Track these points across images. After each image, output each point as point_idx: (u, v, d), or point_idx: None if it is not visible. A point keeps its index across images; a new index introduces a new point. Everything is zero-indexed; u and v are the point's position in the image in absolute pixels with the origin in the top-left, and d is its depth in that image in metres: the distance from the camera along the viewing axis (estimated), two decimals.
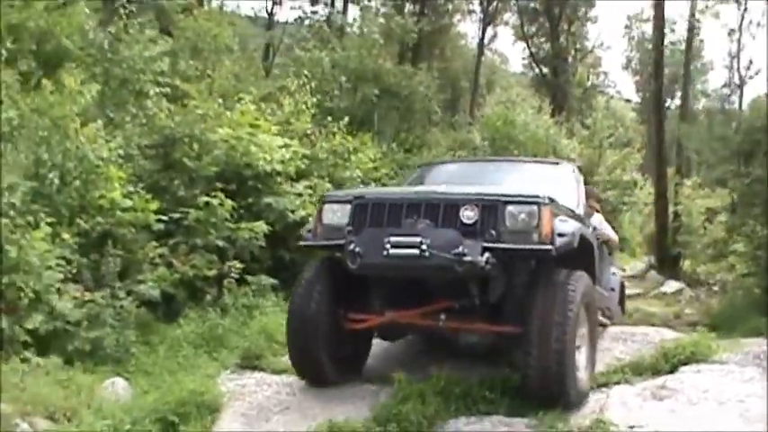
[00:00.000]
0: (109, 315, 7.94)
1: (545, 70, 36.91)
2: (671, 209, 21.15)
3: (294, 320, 6.62)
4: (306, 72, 13.89)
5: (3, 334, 7.09)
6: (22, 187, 8.22)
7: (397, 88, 17.71)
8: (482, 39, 38.11)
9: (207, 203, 9.47)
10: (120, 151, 9.86)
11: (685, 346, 7.04)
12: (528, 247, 5.91)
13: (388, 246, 5.82)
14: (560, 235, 5.99)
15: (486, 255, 5.74)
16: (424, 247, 5.70)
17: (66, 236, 8.12)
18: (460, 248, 5.66)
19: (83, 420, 6.05)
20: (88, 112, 10.17)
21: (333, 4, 31.57)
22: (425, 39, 36.12)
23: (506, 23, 38.88)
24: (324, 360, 6.58)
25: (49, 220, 8.01)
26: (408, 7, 36.23)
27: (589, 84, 41.43)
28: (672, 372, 6.70)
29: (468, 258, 5.66)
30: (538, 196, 6.04)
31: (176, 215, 9.56)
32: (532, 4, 36.70)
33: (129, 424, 5.94)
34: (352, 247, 5.97)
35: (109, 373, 7.39)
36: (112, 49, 11.36)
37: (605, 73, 44.02)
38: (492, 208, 5.98)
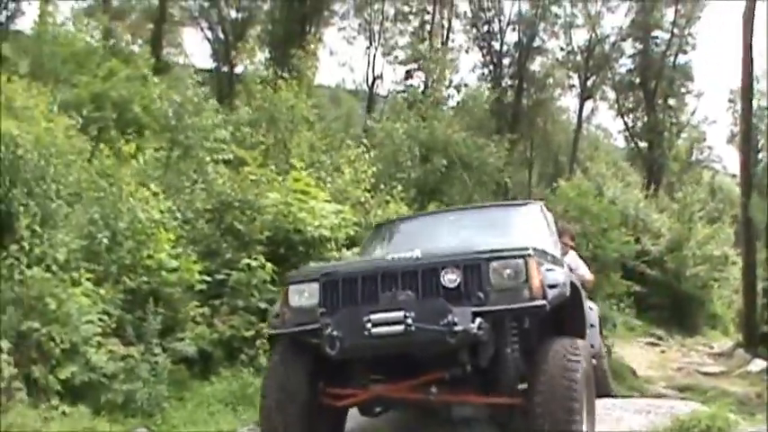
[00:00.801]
0: (144, 370, 8.27)
1: (642, 144, 36.46)
2: (760, 285, 20.32)
3: (266, 408, 6.14)
4: (366, 142, 14.26)
5: (36, 382, 7.51)
6: (73, 245, 8.75)
7: (467, 159, 17.92)
8: (580, 112, 38.17)
9: (248, 265, 9.78)
10: (179, 214, 10.42)
11: (701, 418, 6.78)
12: (520, 305, 5.50)
13: (368, 325, 5.36)
14: (551, 286, 5.59)
15: (478, 320, 5.32)
16: (409, 321, 5.26)
17: (102, 291, 8.50)
18: (449, 318, 5.23)
19: None
20: (148, 176, 10.79)
21: (426, 81, 32.25)
22: (526, 113, 36.57)
23: (604, 99, 38.68)
24: None
25: (88, 276, 8.44)
26: (506, 81, 36.84)
27: (693, 158, 40.61)
28: None
29: (459, 328, 5.22)
30: (522, 248, 5.67)
31: (221, 276, 9.90)
32: (629, 78, 36.49)
33: None
34: (329, 330, 5.48)
35: (137, 425, 7.70)
36: (177, 117, 11.98)
37: (710, 147, 42.87)
38: (475, 267, 5.55)
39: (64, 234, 8.80)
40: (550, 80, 37.25)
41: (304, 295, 6.00)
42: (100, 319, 8.36)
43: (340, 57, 50.02)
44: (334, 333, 5.44)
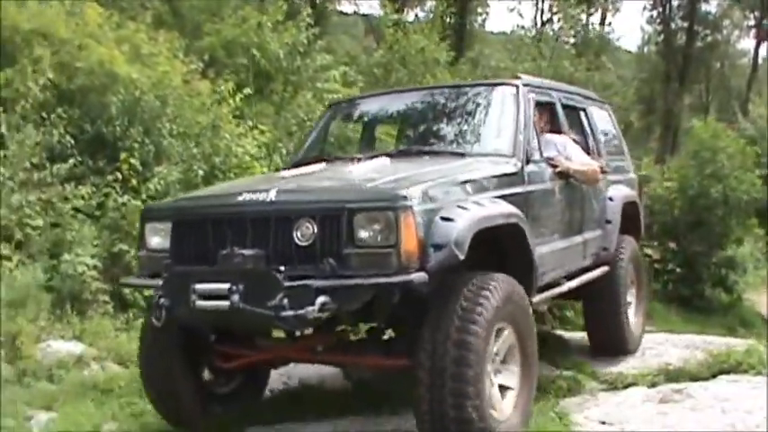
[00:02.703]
0: None
1: None
2: None
3: (145, 371, 5.45)
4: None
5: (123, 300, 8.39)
6: (171, 177, 9.53)
7: None
8: (756, 54, 36.14)
9: None
10: (284, 150, 11.09)
11: (733, 354, 6.64)
12: (379, 280, 4.13)
13: (193, 296, 4.32)
14: (437, 247, 4.22)
15: (321, 300, 4.07)
16: (235, 297, 4.15)
17: None
18: (278, 298, 4.05)
19: None
20: (254, 114, 11.50)
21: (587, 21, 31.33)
22: (698, 56, 34.95)
23: None
24: (188, 405, 5.37)
25: None
26: (677, 23, 35.29)
27: None
28: (708, 379, 6.38)
29: (288, 313, 4.05)
30: (398, 195, 4.21)
31: None
32: None
33: None
34: (157, 297, 4.54)
35: None
36: (288, 59, 12.56)
37: None
38: (333, 220, 4.25)
39: (167, 168, 9.61)
40: (726, 21, 35.33)
41: (160, 235, 4.97)
42: None
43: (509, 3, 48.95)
44: (161, 301, 4.51)
